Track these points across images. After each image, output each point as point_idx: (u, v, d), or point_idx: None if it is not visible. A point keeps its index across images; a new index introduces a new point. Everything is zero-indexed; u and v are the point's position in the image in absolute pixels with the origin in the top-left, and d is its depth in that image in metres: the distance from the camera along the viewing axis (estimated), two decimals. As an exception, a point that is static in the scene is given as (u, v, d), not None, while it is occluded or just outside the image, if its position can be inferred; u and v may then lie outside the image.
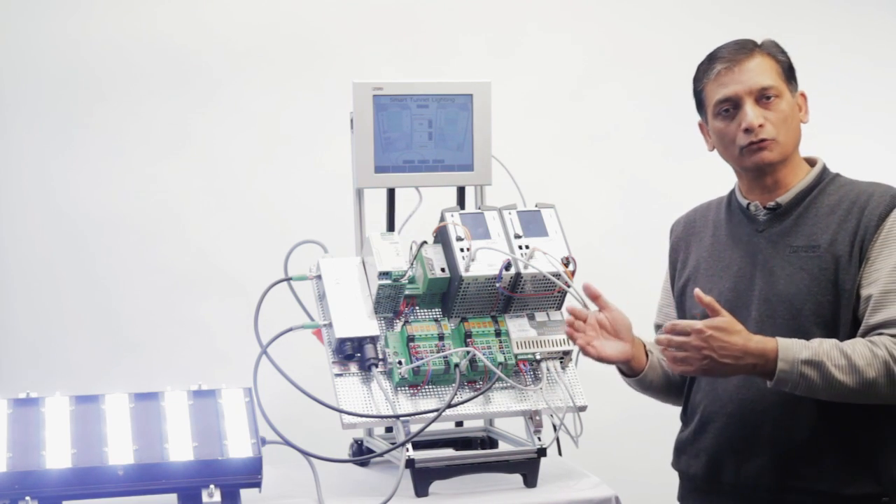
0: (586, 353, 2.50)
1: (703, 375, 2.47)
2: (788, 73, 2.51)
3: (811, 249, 2.44)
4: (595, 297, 2.52)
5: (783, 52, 2.52)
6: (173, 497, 2.35)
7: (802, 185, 2.51)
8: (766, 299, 2.46)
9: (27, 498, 2.25)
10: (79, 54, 3.83)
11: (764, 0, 4.25)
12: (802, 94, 2.53)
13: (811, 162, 2.56)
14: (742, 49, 2.50)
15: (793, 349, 2.32)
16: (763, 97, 2.47)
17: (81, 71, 3.84)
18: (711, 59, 2.53)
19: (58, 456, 2.28)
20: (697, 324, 2.31)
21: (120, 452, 2.31)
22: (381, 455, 2.63)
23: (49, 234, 3.84)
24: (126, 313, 3.87)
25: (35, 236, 3.84)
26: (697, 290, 2.34)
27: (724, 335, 2.30)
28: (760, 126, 2.45)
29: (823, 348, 2.32)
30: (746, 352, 2.31)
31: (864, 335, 2.38)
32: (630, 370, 2.60)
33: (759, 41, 2.52)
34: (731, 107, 2.48)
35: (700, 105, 2.57)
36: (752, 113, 2.45)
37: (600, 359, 2.51)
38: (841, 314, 2.41)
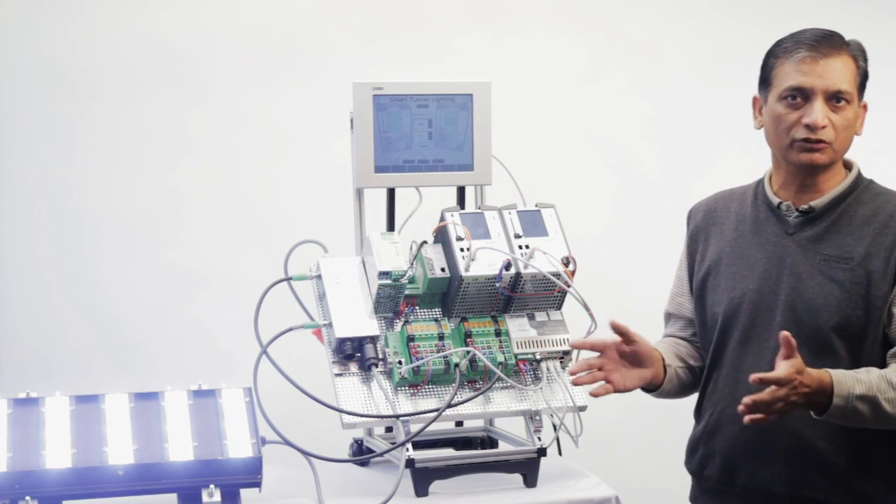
0: (610, 391, 2.43)
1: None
2: (862, 81, 2.45)
3: (844, 261, 2.40)
4: (623, 334, 2.45)
5: (865, 59, 2.46)
6: (173, 497, 2.34)
7: (838, 191, 2.46)
8: (791, 305, 2.41)
9: (27, 498, 2.24)
10: (78, 54, 3.83)
11: (764, 2, 4.24)
12: (864, 106, 2.48)
13: (847, 165, 2.50)
14: (830, 42, 2.43)
15: (846, 384, 2.27)
16: (834, 99, 2.41)
17: (79, 71, 3.84)
18: (797, 40, 2.44)
19: (58, 456, 2.28)
20: (783, 375, 2.20)
21: (120, 452, 2.31)
22: (381, 455, 2.63)
23: (49, 234, 3.84)
24: (126, 313, 3.87)
25: (35, 236, 3.84)
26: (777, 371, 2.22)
27: (804, 378, 2.22)
28: (823, 127, 2.39)
29: (873, 381, 2.29)
30: (814, 390, 2.25)
31: (894, 354, 2.36)
32: (650, 386, 2.56)
33: (846, 39, 2.45)
34: (801, 97, 2.41)
35: (766, 80, 2.48)
36: (820, 112, 2.39)
37: (625, 391, 2.46)
38: (869, 330, 2.37)
